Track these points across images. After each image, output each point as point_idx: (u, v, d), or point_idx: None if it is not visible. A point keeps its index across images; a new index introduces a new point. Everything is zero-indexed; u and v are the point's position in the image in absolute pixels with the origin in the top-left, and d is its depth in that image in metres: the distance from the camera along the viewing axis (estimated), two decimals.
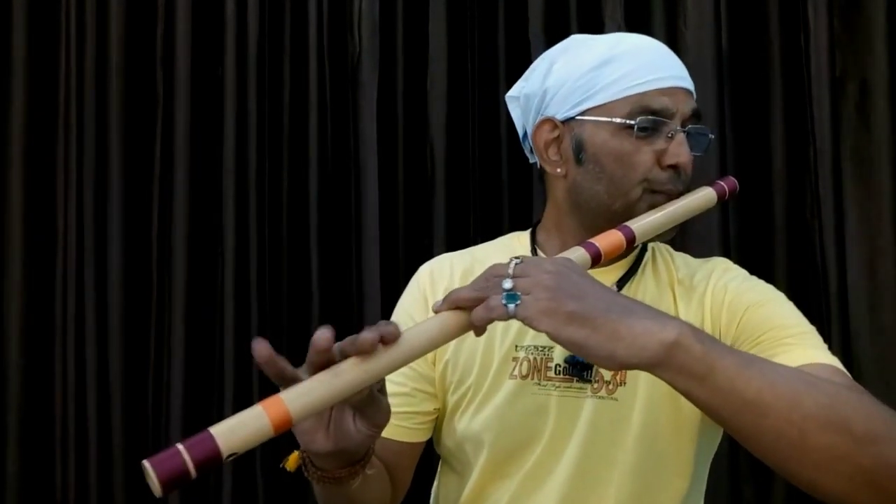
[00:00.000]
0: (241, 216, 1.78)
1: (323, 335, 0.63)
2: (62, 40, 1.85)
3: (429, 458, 1.04)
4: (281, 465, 0.80)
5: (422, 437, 0.96)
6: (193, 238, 1.80)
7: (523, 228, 1.07)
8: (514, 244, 1.03)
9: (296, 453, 0.79)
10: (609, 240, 0.81)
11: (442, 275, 0.99)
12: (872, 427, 0.62)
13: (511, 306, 0.65)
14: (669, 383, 0.64)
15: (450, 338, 0.68)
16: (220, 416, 1.82)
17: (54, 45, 1.85)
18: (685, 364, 0.62)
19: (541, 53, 1.01)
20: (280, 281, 1.78)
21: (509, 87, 1.04)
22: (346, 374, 0.63)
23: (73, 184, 1.82)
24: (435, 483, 1.05)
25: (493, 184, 1.72)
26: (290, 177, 1.79)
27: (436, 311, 0.69)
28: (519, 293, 0.65)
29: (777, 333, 0.82)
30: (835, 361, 0.78)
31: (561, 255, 0.76)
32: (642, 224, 0.86)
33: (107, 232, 1.82)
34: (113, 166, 1.82)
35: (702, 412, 0.88)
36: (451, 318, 0.68)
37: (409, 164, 1.76)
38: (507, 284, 0.66)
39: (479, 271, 0.96)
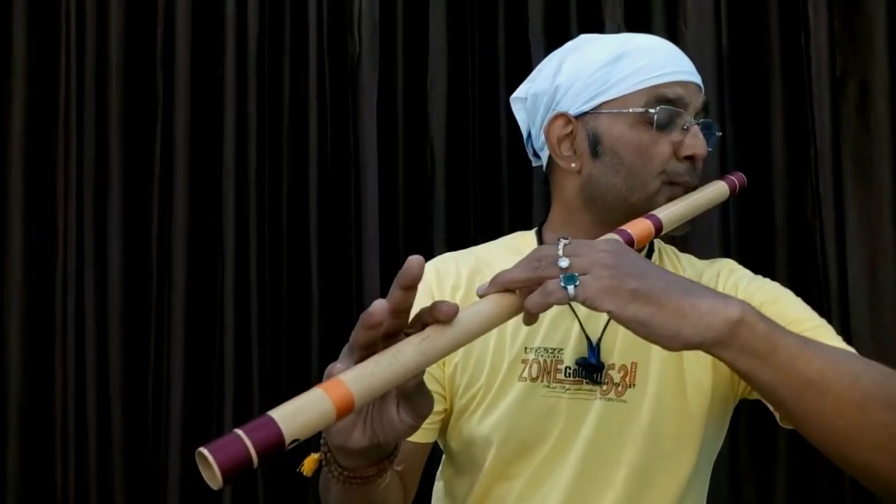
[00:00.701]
0: (241, 216, 1.78)
1: (379, 307, 0.60)
2: (62, 40, 1.85)
3: (429, 459, 1.03)
4: (298, 470, 0.77)
5: (431, 437, 0.95)
6: (193, 238, 1.80)
7: (523, 228, 1.06)
8: (519, 244, 1.02)
9: (313, 456, 0.75)
10: (639, 227, 0.79)
11: (448, 273, 0.99)
12: None
13: (570, 288, 0.62)
14: (730, 363, 0.63)
15: (501, 321, 0.65)
16: (221, 417, 1.84)
17: (54, 45, 1.85)
18: (749, 342, 0.62)
19: (541, 54, 1.01)
20: (280, 281, 1.78)
21: (509, 87, 1.04)
22: (405, 356, 0.59)
23: (73, 184, 1.82)
24: (437, 484, 1.04)
25: (493, 184, 1.71)
26: (290, 177, 1.79)
27: (480, 295, 0.66)
28: (576, 274, 0.63)
29: (794, 328, 0.81)
30: (854, 351, 0.78)
31: (598, 239, 0.73)
32: (667, 213, 0.85)
33: (107, 232, 1.82)
34: (113, 166, 1.82)
35: (718, 398, 0.89)
36: (501, 300, 0.65)
37: (409, 164, 1.76)
38: (564, 263, 0.64)
39: (485, 271, 0.97)
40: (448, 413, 0.96)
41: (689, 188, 0.91)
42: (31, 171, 1.84)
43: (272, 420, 0.52)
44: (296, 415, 0.53)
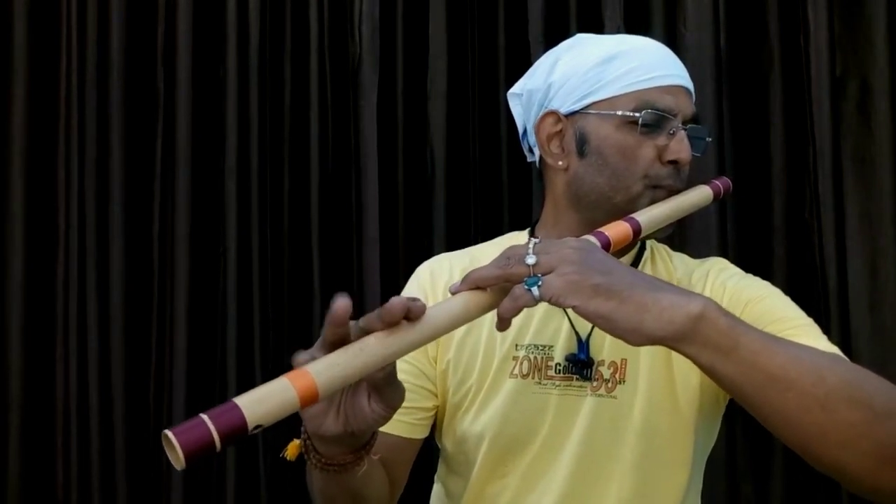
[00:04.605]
0: (242, 216, 1.79)
1: (341, 305, 0.61)
2: (63, 40, 1.85)
3: (428, 460, 1.04)
4: (281, 455, 0.79)
5: (420, 433, 0.96)
6: (195, 238, 1.80)
7: (523, 228, 1.07)
8: (513, 243, 1.02)
9: (296, 441, 0.77)
10: (617, 230, 0.81)
11: (441, 273, 1.00)
12: (891, 403, 0.63)
13: (535, 289, 0.65)
14: (693, 359, 0.64)
15: (471, 318, 0.67)
16: None
17: (55, 44, 1.85)
18: (711, 338, 0.63)
19: (540, 54, 1.01)
20: (282, 281, 1.78)
21: (509, 87, 1.05)
22: (371, 349, 0.61)
23: (75, 183, 1.82)
24: (435, 486, 1.05)
25: (493, 184, 1.72)
26: (292, 177, 1.79)
27: (453, 293, 0.69)
28: (539, 275, 0.65)
29: (778, 326, 0.82)
30: (837, 350, 0.78)
31: (568, 238, 0.75)
32: (647, 216, 0.86)
33: (108, 232, 1.82)
34: (114, 166, 1.83)
35: (708, 395, 0.89)
36: (472, 297, 0.67)
37: (409, 164, 1.76)
38: (531, 260, 0.66)
39: None
40: (441, 410, 0.97)
41: (673, 192, 0.92)
42: (32, 171, 1.84)
43: (236, 406, 0.54)
44: (260, 401, 0.56)
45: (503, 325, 0.68)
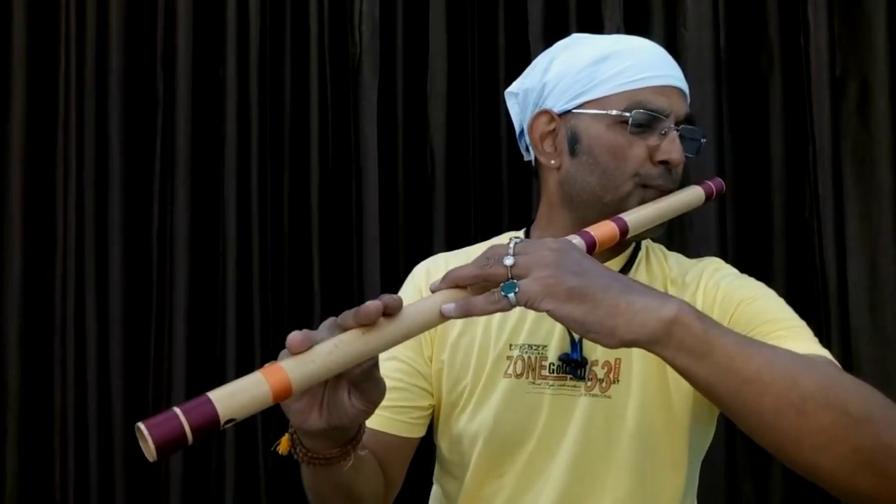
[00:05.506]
0: (242, 217, 1.78)
1: (295, 343, 0.62)
2: (62, 41, 1.85)
3: (427, 460, 1.04)
4: (272, 448, 0.79)
5: (416, 432, 0.96)
6: (195, 239, 1.80)
7: (522, 228, 1.07)
8: None
9: (287, 435, 0.77)
10: (603, 229, 0.82)
11: (437, 273, 1.00)
12: (868, 408, 0.63)
13: (511, 295, 0.65)
14: (669, 362, 0.64)
15: (448, 318, 0.68)
16: None
17: (54, 45, 1.85)
18: (685, 341, 0.63)
19: (540, 54, 1.01)
20: (282, 281, 1.78)
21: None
22: (347, 346, 0.62)
23: (73, 184, 1.82)
24: (433, 487, 1.05)
25: (493, 184, 1.72)
26: (292, 177, 1.79)
27: (433, 291, 0.69)
28: (516, 280, 0.65)
29: (769, 327, 0.82)
30: (827, 353, 0.78)
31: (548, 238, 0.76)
32: (635, 216, 0.87)
33: (107, 232, 1.82)
34: (113, 166, 1.82)
35: (701, 396, 0.88)
36: (450, 296, 0.68)
37: (409, 164, 1.76)
38: (509, 261, 0.66)
39: None
40: (437, 410, 0.97)
41: (664, 192, 0.92)
42: (31, 171, 1.84)
43: (209, 400, 0.55)
44: (233, 395, 0.57)
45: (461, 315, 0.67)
